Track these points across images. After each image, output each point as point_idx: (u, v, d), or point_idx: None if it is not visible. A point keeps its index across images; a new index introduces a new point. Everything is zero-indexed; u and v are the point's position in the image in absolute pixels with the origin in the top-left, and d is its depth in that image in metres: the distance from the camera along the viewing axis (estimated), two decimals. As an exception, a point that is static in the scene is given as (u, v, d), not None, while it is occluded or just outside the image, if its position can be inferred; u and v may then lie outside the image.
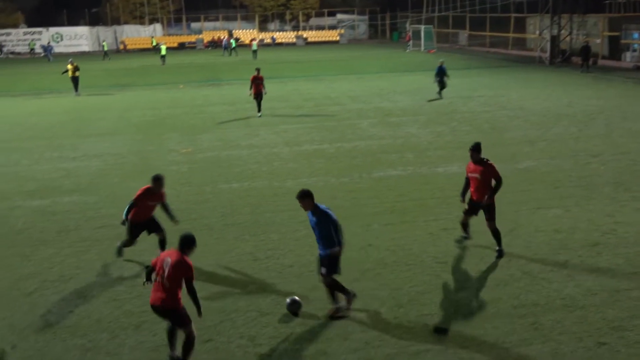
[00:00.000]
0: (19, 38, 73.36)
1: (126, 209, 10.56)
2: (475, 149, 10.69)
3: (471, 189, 10.88)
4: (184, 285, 7.48)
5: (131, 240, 10.80)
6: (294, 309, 9.03)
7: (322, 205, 8.97)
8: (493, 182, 10.68)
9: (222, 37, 73.20)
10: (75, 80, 35.03)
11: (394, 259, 10.83)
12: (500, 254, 10.77)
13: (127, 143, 21.53)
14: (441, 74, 28.92)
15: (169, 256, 7.51)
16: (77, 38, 74.11)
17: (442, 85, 29.07)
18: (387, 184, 15.49)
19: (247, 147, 20.11)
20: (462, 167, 16.31)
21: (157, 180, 10.67)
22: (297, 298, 9.13)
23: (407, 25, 71.99)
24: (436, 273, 10.24)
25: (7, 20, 78.57)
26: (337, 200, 14.27)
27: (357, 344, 8.12)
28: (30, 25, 76.43)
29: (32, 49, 71.49)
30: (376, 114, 25.54)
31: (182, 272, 7.40)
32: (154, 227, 10.83)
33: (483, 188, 10.66)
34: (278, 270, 10.47)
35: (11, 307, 9.54)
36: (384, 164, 17.40)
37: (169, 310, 7.46)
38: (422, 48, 61.73)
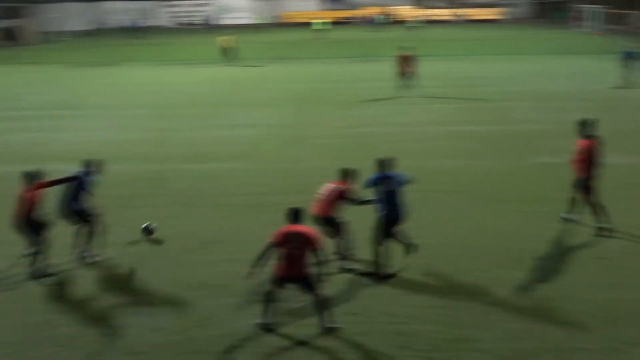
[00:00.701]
0: (187, 10, 77.34)
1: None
2: (582, 123, 11.03)
3: (576, 164, 11.05)
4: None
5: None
6: (145, 233, 10.80)
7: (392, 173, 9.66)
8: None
9: (374, 13, 73.00)
10: (231, 51, 36.55)
11: (546, 250, 10.40)
12: (599, 230, 10.89)
13: (282, 114, 22.18)
14: (630, 58, 26.91)
15: (294, 229, 7.97)
16: (239, 10, 76.91)
17: (629, 70, 27.04)
18: (540, 170, 14.86)
19: (396, 125, 20.05)
20: (625, 159, 15.37)
21: (351, 174, 9.91)
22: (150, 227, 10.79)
23: (574, 5, 68.07)
24: (595, 269, 9.70)
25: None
26: (483, 184, 13.94)
27: (502, 334, 7.92)
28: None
29: (195, 20, 75.10)
30: (534, 97, 24.49)
31: (314, 243, 7.89)
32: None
33: (584, 163, 10.85)
34: (424, 250, 10.39)
35: (170, 264, 10.22)
36: (537, 150, 16.68)
37: (305, 278, 7.91)
38: (590, 29, 58.22)
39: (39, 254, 9.93)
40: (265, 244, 8.03)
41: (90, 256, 10.39)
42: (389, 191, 9.49)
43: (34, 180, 9.94)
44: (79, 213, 10.22)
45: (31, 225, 9.82)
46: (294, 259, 7.90)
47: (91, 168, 10.46)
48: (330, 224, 9.65)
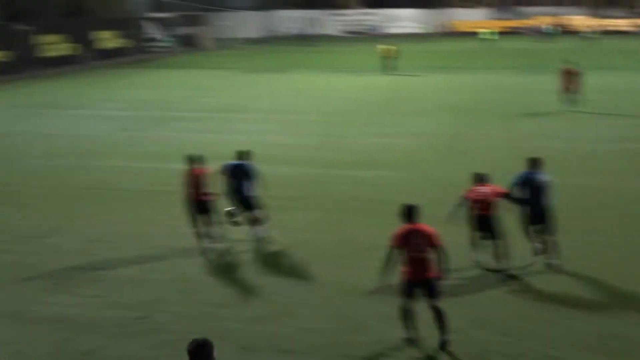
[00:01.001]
0: (354, 18, 78.64)
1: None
2: None
3: None
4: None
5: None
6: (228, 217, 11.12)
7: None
8: None
9: (544, 23, 70.11)
10: (389, 60, 36.75)
11: None
12: None
13: (442, 124, 21.89)
14: None
15: (416, 229, 7.78)
16: (405, 20, 77.00)
17: None
18: None
19: (560, 139, 19.08)
20: None
21: (486, 178, 10.20)
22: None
23: None
24: None
25: (345, 1, 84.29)
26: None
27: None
28: (365, 7, 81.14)
29: (361, 29, 76.10)
30: None
31: (434, 240, 7.69)
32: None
33: None
34: (587, 272, 9.79)
35: (326, 267, 10.40)
36: None
37: (434, 280, 7.69)
38: None
39: (211, 231, 10.98)
40: (387, 249, 7.88)
41: (259, 236, 11.36)
42: (534, 189, 9.77)
43: (195, 163, 11.02)
44: (248, 199, 11.17)
45: (200, 205, 10.76)
46: (418, 261, 7.67)
47: (246, 158, 11.54)
48: (489, 224, 9.69)
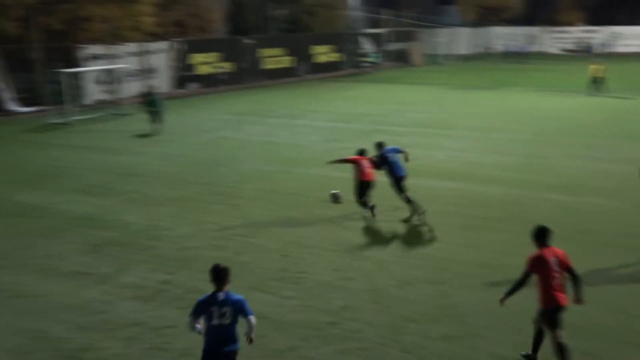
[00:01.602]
0: (574, 36, 74.76)
1: None
2: None
3: None
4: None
5: None
6: (334, 199, 13.96)
7: None
8: None
9: None
10: (599, 81, 34.39)
11: None
12: None
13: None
14: None
15: (552, 256, 7.52)
16: (633, 38, 71.61)
17: None
18: None
19: None
20: None
21: None
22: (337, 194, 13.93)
23: None
24: None
25: (567, 18, 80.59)
26: None
27: None
28: (590, 24, 76.88)
29: (580, 47, 72.05)
30: None
31: (568, 262, 7.65)
32: None
33: None
34: None
35: (521, 292, 10.01)
36: None
37: (565, 307, 7.51)
38: None
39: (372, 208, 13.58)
40: (523, 273, 7.72)
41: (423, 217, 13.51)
42: None
43: (362, 154, 13.85)
44: (403, 178, 13.51)
45: (366, 184, 13.42)
46: (557, 286, 7.42)
47: (385, 146, 13.90)
48: None
